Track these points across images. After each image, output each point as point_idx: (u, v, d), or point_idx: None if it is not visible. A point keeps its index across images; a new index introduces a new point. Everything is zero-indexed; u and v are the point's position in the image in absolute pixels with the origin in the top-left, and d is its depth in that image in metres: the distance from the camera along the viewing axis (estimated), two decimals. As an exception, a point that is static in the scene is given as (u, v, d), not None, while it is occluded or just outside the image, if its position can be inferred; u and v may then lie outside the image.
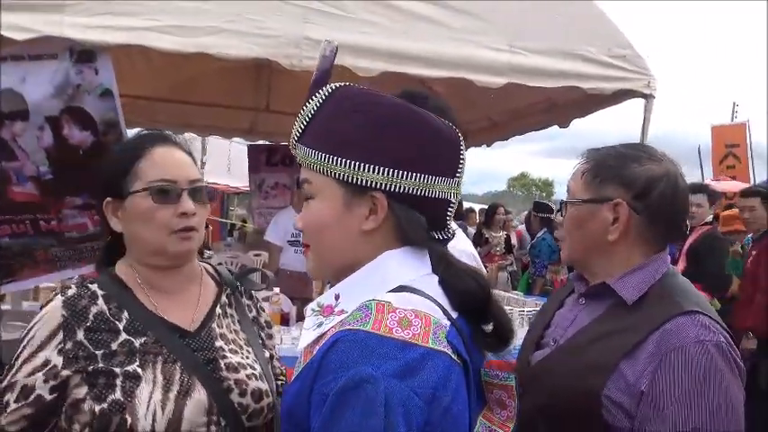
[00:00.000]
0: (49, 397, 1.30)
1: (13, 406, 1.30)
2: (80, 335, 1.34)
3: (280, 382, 1.62)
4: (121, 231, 1.45)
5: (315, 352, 0.97)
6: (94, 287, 1.41)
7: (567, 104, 4.39)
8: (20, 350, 1.34)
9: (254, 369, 1.45)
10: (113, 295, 1.40)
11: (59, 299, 1.37)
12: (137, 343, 1.36)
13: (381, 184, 1.01)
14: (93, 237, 3.33)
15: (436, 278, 1.05)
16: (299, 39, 3.10)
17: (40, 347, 1.33)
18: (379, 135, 1.01)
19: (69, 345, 1.33)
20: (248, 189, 8.21)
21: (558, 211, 1.53)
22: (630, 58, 3.66)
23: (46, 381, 1.30)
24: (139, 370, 1.33)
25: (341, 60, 3.16)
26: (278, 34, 3.08)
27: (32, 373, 1.31)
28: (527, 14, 3.53)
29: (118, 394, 1.29)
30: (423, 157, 1.02)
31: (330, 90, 1.05)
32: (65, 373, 1.31)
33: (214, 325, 1.47)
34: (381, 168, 1.00)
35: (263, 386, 1.44)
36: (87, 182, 3.00)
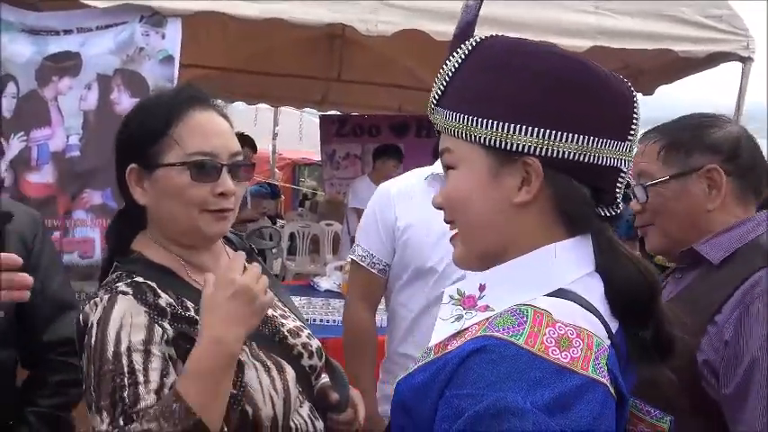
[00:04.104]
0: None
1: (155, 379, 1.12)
2: (170, 329, 1.18)
3: None
4: (144, 204, 1.27)
5: (450, 348, 0.84)
6: (141, 279, 1.22)
7: (654, 70, 4.14)
8: (126, 367, 1.10)
9: (306, 328, 1.43)
10: (165, 283, 1.23)
11: (126, 298, 1.17)
12: None
13: (535, 147, 0.85)
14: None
15: (598, 279, 0.89)
16: (375, 4, 3.03)
17: (149, 343, 1.13)
18: (532, 89, 0.86)
19: (171, 333, 1.17)
20: (319, 161, 8.28)
21: (630, 199, 1.45)
22: (727, 17, 3.39)
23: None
24: (241, 357, 1.20)
25: (417, 25, 3.09)
26: (354, 0, 3.02)
27: (163, 369, 1.13)
28: (614, -27, 3.34)
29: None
30: (586, 114, 0.86)
31: (474, 43, 0.91)
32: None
33: None
34: (535, 129, 0.84)
35: (318, 343, 1.42)
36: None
